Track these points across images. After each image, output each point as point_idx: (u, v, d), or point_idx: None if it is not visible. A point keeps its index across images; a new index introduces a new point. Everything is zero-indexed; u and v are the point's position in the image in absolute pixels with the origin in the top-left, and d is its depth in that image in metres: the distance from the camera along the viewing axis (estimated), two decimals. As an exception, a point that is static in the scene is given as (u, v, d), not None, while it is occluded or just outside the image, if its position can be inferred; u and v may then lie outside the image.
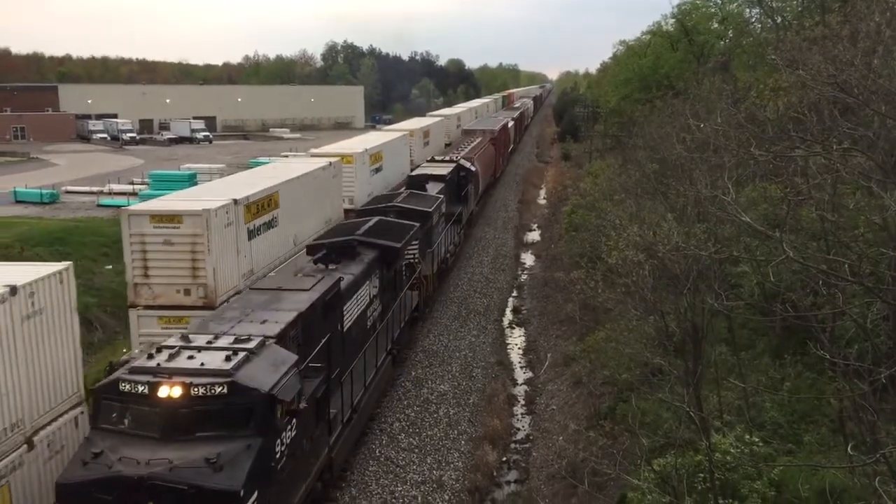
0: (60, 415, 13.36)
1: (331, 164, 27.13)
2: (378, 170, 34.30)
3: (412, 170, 38.76)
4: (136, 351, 16.04)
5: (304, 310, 14.23)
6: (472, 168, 40.13)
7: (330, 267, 17.76)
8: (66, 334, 13.85)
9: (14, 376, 12.27)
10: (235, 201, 18.69)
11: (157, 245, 17.37)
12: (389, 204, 26.37)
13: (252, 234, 19.63)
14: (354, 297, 17.92)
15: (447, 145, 56.28)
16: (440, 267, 30.38)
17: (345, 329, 16.88)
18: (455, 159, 39.59)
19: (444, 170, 35.76)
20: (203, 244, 17.28)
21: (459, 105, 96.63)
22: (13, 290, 12.25)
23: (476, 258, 38.09)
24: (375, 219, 22.87)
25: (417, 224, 24.34)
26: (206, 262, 17.33)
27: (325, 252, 18.34)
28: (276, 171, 25.26)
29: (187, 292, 17.50)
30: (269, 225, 20.89)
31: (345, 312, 16.97)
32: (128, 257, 17.57)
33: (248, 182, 22.06)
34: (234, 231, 18.52)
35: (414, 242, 23.93)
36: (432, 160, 40.10)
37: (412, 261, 24.45)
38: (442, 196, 30.77)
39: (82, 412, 13.73)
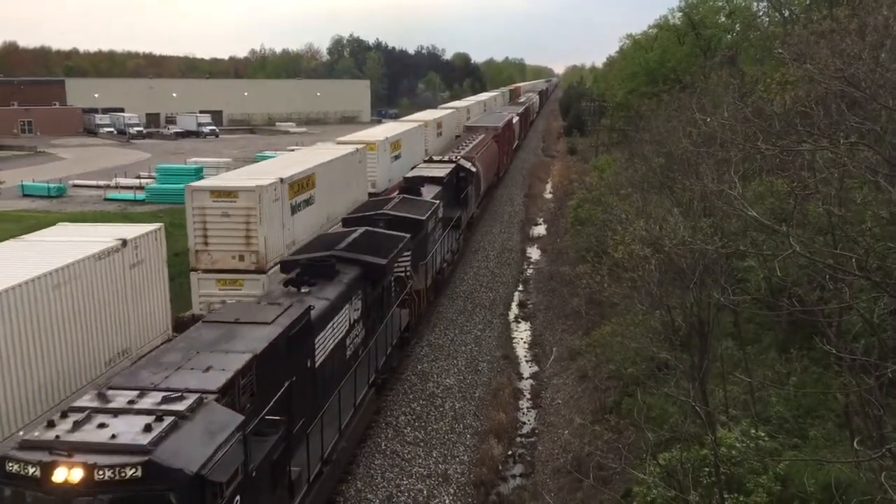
0: (156, 347, 16.37)
1: (357, 150, 30.75)
2: (397, 157, 38.17)
3: (411, 168, 36.51)
4: (196, 310, 19.59)
5: (260, 351, 11.66)
6: (473, 169, 37.50)
7: (303, 290, 15.33)
8: (160, 282, 17.80)
9: (124, 312, 15.99)
10: (282, 180, 21.73)
11: (216, 217, 20.04)
12: (379, 212, 23.39)
13: (294, 209, 22.85)
14: (330, 325, 15.37)
15: (457, 137, 57.21)
16: (436, 279, 27.82)
17: (316, 365, 14.38)
18: (454, 159, 36.94)
19: (441, 171, 33.08)
20: (256, 216, 20.06)
21: (468, 98, 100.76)
22: (124, 242, 15.91)
23: (482, 252, 38.09)
24: (361, 230, 20.52)
25: (409, 235, 21.70)
26: (258, 232, 20.12)
27: (299, 271, 16.24)
28: (312, 155, 28.70)
29: (241, 258, 20.12)
30: (308, 202, 24.12)
31: (317, 346, 14.40)
32: (190, 228, 20.24)
33: (289, 164, 25.12)
34: (280, 206, 21.56)
35: (405, 254, 21.65)
36: (430, 160, 37.50)
37: (403, 275, 22.04)
38: (438, 202, 28.15)
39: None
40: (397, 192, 28.35)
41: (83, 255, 14.79)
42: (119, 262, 15.72)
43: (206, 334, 12.28)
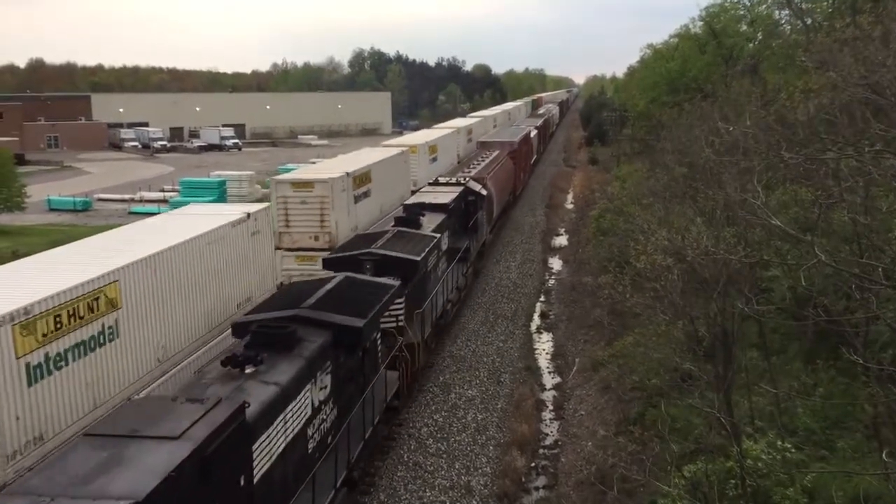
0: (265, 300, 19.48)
1: (402, 152, 34.97)
2: (434, 159, 42.08)
3: (415, 190, 33.78)
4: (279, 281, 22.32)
5: (151, 491, 7.94)
6: (484, 192, 33.92)
7: (246, 371, 11.88)
8: (269, 249, 21.49)
9: (248, 269, 19.57)
10: (348, 174, 25.54)
11: (295, 204, 23.98)
12: (366, 251, 20.02)
13: (356, 199, 26.60)
14: (280, 419, 11.68)
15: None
16: (436, 325, 24.16)
17: (257, 479, 10.78)
18: (463, 181, 32.99)
19: (446, 196, 29.21)
20: (329, 203, 23.98)
21: (494, 108, 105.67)
22: (248, 215, 19.67)
23: (503, 263, 38.05)
24: (340, 277, 17.02)
25: (400, 281, 18.67)
26: (330, 217, 24.03)
27: (249, 340, 13.01)
28: (367, 156, 32.80)
29: (316, 238, 24.00)
30: (366, 195, 27.85)
31: (257, 455, 10.81)
32: (274, 213, 23.41)
33: (351, 162, 29.40)
34: (346, 196, 25.40)
35: (397, 303, 18.57)
36: (436, 182, 33.28)
37: (393, 327, 19.01)
38: (439, 235, 24.29)
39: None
40: (392, 223, 24.60)
41: (224, 222, 18.82)
42: (245, 230, 19.64)
43: (80, 459, 8.65)
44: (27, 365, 11.58)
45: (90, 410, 12.87)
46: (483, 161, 43.28)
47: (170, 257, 15.92)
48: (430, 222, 25.29)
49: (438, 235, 24.07)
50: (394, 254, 20.01)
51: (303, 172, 27.87)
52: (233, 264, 18.81)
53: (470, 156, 49.07)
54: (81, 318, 12.89)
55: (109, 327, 13.67)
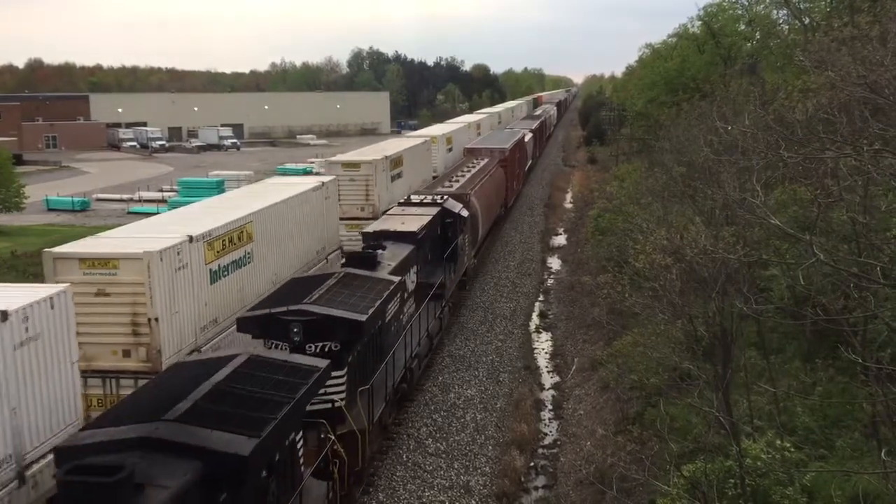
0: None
1: (425, 142, 41.45)
2: (450, 149, 48.68)
3: (387, 209, 28.38)
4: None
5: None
6: (465, 212, 28.34)
7: None
8: (336, 212, 26.78)
9: (321, 228, 24.59)
10: (387, 157, 31.45)
11: (345, 182, 28.84)
12: (295, 307, 14.83)
13: (392, 179, 32.19)
14: None
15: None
16: (397, 391, 19.17)
17: None
18: (439, 200, 27.26)
19: (416, 221, 23.41)
20: (373, 181, 29.40)
21: (499, 105, 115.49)
22: (322, 183, 24.96)
23: (502, 262, 38.05)
24: (237, 362, 11.43)
25: (328, 361, 12.64)
26: (374, 191, 29.44)
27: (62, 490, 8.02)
28: (398, 143, 38.87)
29: (363, 209, 29.27)
30: (399, 175, 33.39)
31: None
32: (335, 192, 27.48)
33: (387, 148, 34.86)
34: (385, 175, 31.04)
35: (336, 376, 14.29)
36: (407, 201, 27.77)
37: (326, 409, 14.28)
38: (399, 278, 18.62)
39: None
40: (343, 260, 21.01)
41: (308, 188, 24.04)
42: (321, 195, 24.67)
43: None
44: (210, 270, 17.13)
45: (239, 309, 17.76)
46: (468, 172, 38.00)
47: (279, 210, 21.25)
48: (392, 257, 20.21)
49: (398, 279, 18.49)
50: (331, 312, 14.87)
51: (350, 155, 32.88)
52: (315, 218, 24.02)
53: (456, 164, 44.17)
54: (234, 244, 18.47)
55: (248, 253, 19.18)
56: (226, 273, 17.80)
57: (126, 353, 14.79)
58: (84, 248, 15.21)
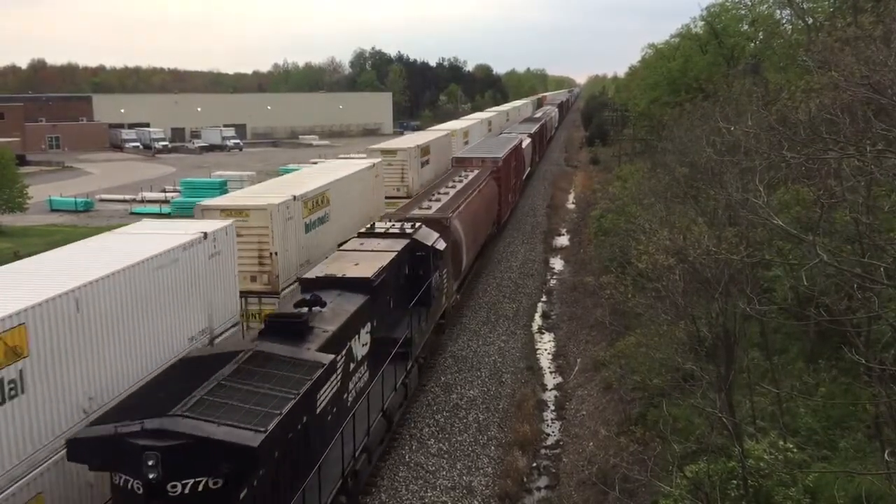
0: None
1: (446, 134, 48.43)
2: (466, 142, 55.76)
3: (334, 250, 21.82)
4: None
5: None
6: (442, 245, 23.06)
7: None
8: (380, 191, 31.21)
9: (369, 202, 28.71)
10: (418, 146, 37.74)
11: (384, 167, 32.67)
12: (149, 425, 9.55)
13: (422, 164, 38.36)
14: None
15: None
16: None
17: None
18: (409, 230, 21.91)
19: (372, 264, 18.08)
20: (409, 166, 35.48)
21: (507, 104, 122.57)
22: (372, 165, 30.10)
23: (505, 263, 38.03)
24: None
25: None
26: (409, 175, 35.42)
27: None
28: (426, 136, 45.30)
29: (398, 190, 34.72)
30: (427, 163, 39.51)
31: None
32: (382, 172, 32.19)
33: (418, 139, 42.45)
34: (418, 161, 37.15)
35: None
36: (369, 231, 22.12)
37: None
38: (333, 357, 13.29)
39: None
40: (262, 326, 14.38)
41: (364, 167, 29.29)
42: (372, 173, 29.80)
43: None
44: (305, 223, 21.88)
45: (320, 257, 21.34)
46: (454, 188, 32.74)
47: (347, 182, 25.85)
48: (332, 318, 14.90)
49: (333, 357, 13.34)
50: (209, 431, 9.65)
51: (388, 144, 38.59)
52: (368, 192, 28.39)
53: (440, 178, 38.15)
54: (319, 205, 23.16)
55: (326, 213, 23.80)
56: (314, 227, 22.62)
57: (253, 279, 19.53)
58: (224, 202, 20.83)
